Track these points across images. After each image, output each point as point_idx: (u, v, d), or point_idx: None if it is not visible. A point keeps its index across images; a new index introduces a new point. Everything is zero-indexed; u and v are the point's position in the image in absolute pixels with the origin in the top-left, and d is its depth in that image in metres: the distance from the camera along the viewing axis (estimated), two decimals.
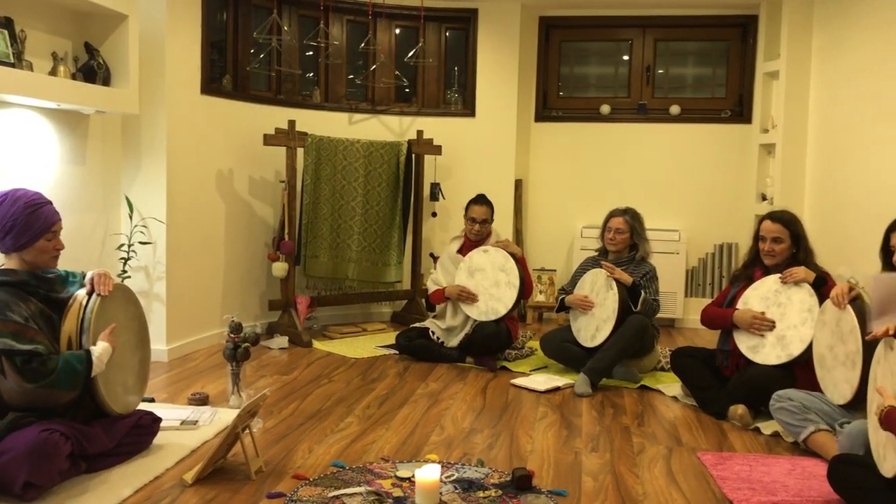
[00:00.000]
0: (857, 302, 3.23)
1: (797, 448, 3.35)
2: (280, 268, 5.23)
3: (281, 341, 5.11)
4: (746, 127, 6.14)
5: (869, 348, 3.04)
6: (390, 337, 5.24)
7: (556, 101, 6.49)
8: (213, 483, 2.82)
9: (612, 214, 4.62)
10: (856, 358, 3.12)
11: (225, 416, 3.50)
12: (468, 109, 6.15)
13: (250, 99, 5.42)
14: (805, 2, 5.58)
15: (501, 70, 6.08)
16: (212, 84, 5.08)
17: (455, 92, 6.21)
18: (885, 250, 3.13)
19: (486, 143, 6.10)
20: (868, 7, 4.77)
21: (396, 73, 6.06)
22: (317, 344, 5.19)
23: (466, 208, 4.92)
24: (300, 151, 5.35)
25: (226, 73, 5.31)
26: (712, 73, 6.37)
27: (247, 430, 2.94)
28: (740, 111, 6.21)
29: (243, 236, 5.39)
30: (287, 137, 5.20)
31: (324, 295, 5.64)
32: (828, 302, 3.39)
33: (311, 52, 5.93)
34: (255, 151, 5.33)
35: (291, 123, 5.22)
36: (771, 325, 3.75)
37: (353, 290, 5.73)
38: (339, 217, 5.59)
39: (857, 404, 3.16)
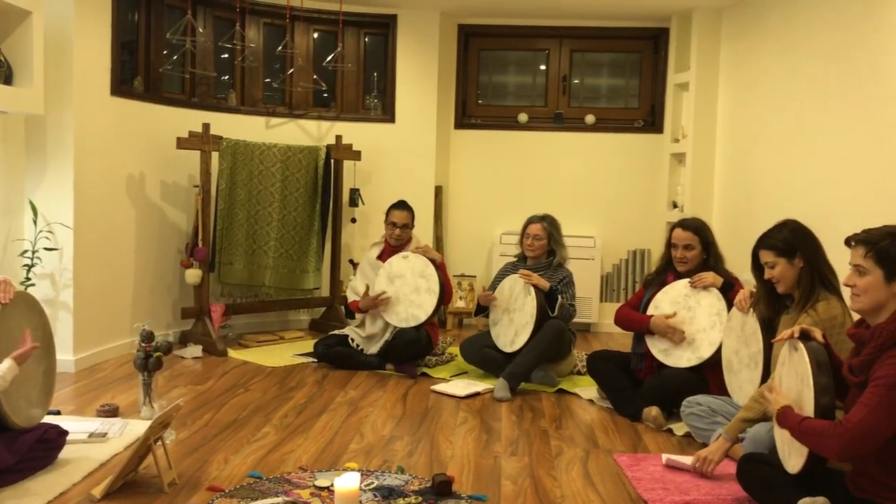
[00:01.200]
0: (760, 306, 3.36)
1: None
2: (193, 275, 5.10)
3: (194, 350, 4.98)
4: (658, 136, 6.33)
5: (770, 349, 3.19)
6: (308, 345, 5.18)
7: (475, 108, 6.55)
8: (123, 497, 2.71)
9: (531, 221, 4.68)
10: (758, 358, 3.26)
11: (136, 428, 3.38)
12: (388, 115, 6.14)
13: (163, 101, 5.28)
14: (713, 17, 5.79)
15: (421, 77, 6.09)
16: (122, 85, 4.91)
17: (375, 97, 6.18)
18: (757, 267, 3.26)
19: (405, 149, 6.10)
20: (772, 23, 4.98)
21: (315, 77, 6.00)
22: (232, 353, 5.08)
23: (387, 213, 4.91)
24: (215, 155, 5.22)
25: (137, 74, 5.15)
26: (626, 84, 6.54)
27: (159, 442, 2.85)
28: (652, 121, 6.39)
29: (155, 242, 5.23)
30: (201, 141, 5.08)
31: (239, 302, 5.53)
32: (733, 309, 3.52)
33: (226, 55, 5.81)
34: (167, 155, 5.18)
35: (206, 127, 5.10)
36: (681, 337, 3.86)
37: (269, 298, 5.63)
38: (256, 223, 5.49)
39: None
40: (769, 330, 3.24)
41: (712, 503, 2.84)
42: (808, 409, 2.44)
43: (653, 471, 3.15)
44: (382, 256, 4.91)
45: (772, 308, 3.29)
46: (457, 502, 2.69)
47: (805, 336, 2.59)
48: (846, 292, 2.47)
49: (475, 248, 6.44)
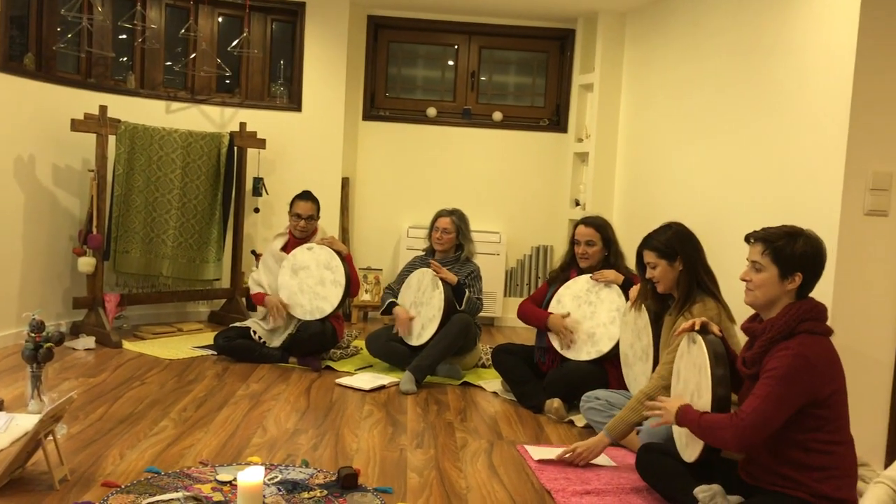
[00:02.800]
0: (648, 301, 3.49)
1: None
2: (86, 263, 4.87)
3: (87, 341, 4.76)
4: (562, 136, 6.45)
5: (658, 342, 3.33)
6: (208, 337, 5.04)
7: (383, 100, 6.51)
8: (10, 494, 2.57)
9: (440, 215, 4.70)
10: (648, 351, 3.39)
11: (23, 423, 3.20)
12: (294, 104, 6.04)
13: (56, 81, 5.02)
14: (618, 20, 5.95)
15: (329, 66, 6.01)
16: (11, 62, 4.64)
17: (281, 85, 6.07)
18: (641, 266, 3.40)
19: (312, 138, 6.01)
20: (672, 29, 5.16)
21: (219, 62, 5.84)
22: (127, 344, 4.89)
23: (291, 204, 4.82)
24: (112, 139, 5.01)
25: (28, 51, 4.88)
26: (532, 83, 6.64)
27: (50, 437, 2.71)
28: (557, 120, 6.52)
29: (45, 228, 4.97)
30: (98, 124, 4.86)
31: (135, 293, 5.32)
32: (628, 304, 3.64)
33: (125, 35, 5.57)
34: (60, 137, 4.94)
35: (103, 109, 4.89)
36: (571, 339, 3.95)
37: (167, 288, 5.45)
38: (154, 210, 5.30)
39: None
40: (657, 326, 3.37)
41: (612, 492, 2.92)
42: (706, 399, 2.54)
43: (555, 461, 3.21)
44: (287, 248, 4.83)
45: (659, 304, 3.42)
46: (363, 495, 2.67)
47: (703, 329, 2.70)
48: (741, 286, 2.58)
49: (382, 242, 6.41)
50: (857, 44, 3.09)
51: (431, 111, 6.46)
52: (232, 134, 5.59)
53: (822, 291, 2.61)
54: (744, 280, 2.59)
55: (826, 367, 2.39)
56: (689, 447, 2.69)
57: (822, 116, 3.31)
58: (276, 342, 4.66)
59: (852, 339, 3.05)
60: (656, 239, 3.33)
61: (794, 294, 2.51)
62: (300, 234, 4.80)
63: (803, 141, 3.45)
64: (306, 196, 4.81)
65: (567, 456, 3.16)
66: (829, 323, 2.49)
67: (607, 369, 3.90)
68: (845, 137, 3.12)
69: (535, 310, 4.19)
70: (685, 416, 2.58)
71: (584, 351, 3.96)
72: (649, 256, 3.33)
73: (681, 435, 2.76)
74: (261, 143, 5.71)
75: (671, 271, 3.28)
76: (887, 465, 3.10)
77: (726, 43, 4.34)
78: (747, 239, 2.63)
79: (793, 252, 2.48)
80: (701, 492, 2.53)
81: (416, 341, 4.47)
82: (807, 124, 3.43)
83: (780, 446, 2.42)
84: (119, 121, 5.00)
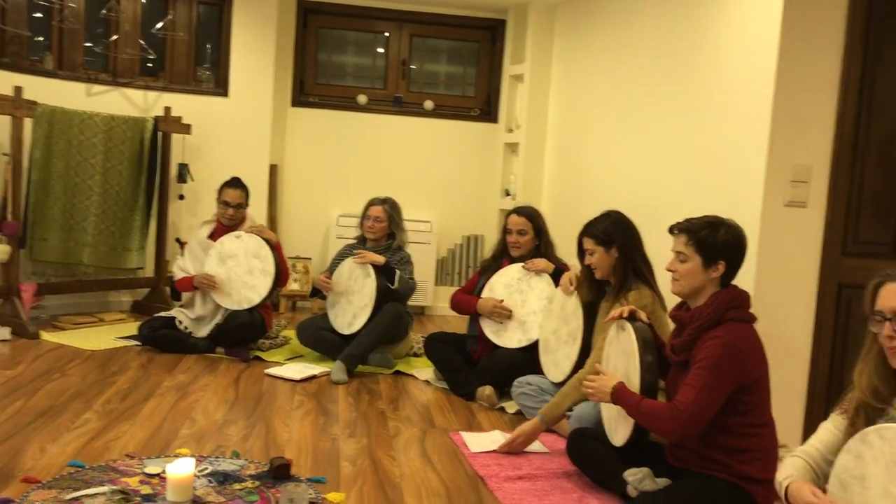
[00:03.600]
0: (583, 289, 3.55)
1: None
2: (1, 251, 4.67)
3: (2, 332, 4.57)
4: (493, 126, 6.49)
5: (590, 327, 3.39)
6: (132, 327, 4.90)
7: (313, 87, 6.43)
8: None
9: (372, 203, 4.67)
10: (576, 334, 3.45)
11: None
12: (221, 89, 5.90)
13: None
14: (548, 12, 6.01)
15: (257, 51, 5.89)
16: None
17: (207, 69, 5.92)
18: (581, 253, 3.48)
19: (239, 124, 5.88)
20: (602, 21, 5.24)
21: (142, 44, 5.65)
22: (45, 335, 4.71)
23: (220, 191, 4.71)
24: (28, 122, 4.80)
25: None
26: (463, 73, 6.65)
27: None
28: (488, 110, 6.55)
29: None
30: (12, 105, 4.65)
31: (54, 282, 5.13)
32: (556, 290, 3.70)
33: (41, 14, 5.35)
34: None
35: (18, 90, 4.68)
36: (509, 314, 4.00)
37: (88, 277, 5.27)
38: (74, 196, 5.11)
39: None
40: (591, 313, 3.44)
41: (544, 477, 2.96)
42: (635, 385, 2.60)
43: (488, 446, 3.24)
44: (214, 236, 4.72)
45: (594, 292, 3.48)
46: (296, 485, 2.64)
47: (632, 317, 2.76)
48: (668, 276, 2.64)
49: (311, 230, 6.34)
50: (780, 41, 3.20)
51: (362, 98, 6.41)
52: (156, 119, 5.43)
53: (744, 280, 2.70)
54: (669, 270, 2.66)
55: (752, 353, 2.48)
56: (618, 431, 2.75)
57: (745, 111, 3.41)
58: (202, 332, 4.56)
59: (772, 326, 3.16)
60: (595, 226, 3.40)
61: (718, 282, 2.58)
62: (228, 222, 4.70)
63: (728, 134, 3.55)
64: (235, 183, 4.71)
65: (506, 450, 3.19)
66: (751, 310, 2.58)
67: (537, 357, 3.95)
68: (767, 131, 3.23)
69: (468, 297, 4.22)
70: (621, 395, 2.61)
71: (515, 338, 4.00)
72: (588, 243, 3.40)
73: (610, 419, 2.82)
74: (186, 129, 5.57)
75: (608, 258, 3.35)
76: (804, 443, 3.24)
77: (654, 37, 4.43)
78: (671, 230, 2.69)
79: (715, 241, 2.56)
80: (630, 475, 2.59)
81: (347, 330, 4.44)
82: (731, 118, 3.53)
83: (707, 431, 2.49)
84: (36, 103, 4.80)
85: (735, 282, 2.62)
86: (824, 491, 1.90)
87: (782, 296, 3.24)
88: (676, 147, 4.07)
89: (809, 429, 3.24)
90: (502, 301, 4.04)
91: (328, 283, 4.54)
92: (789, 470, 2.02)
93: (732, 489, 2.46)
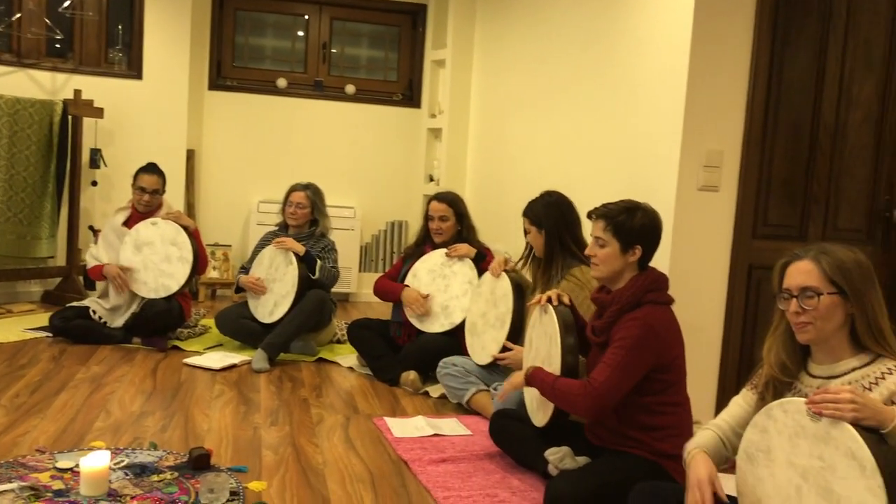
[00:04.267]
0: (512, 273, 3.59)
1: (461, 409, 3.63)
2: None
3: None
4: (416, 111, 6.48)
5: (520, 310, 3.43)
6: (42, 318, 4.73)
7: (230, 70, 6.28)
8: None
9: (294, 189, 4.60)
10: (505, 318, 3.48)
11: None
12: (134, 71, 5.71)
13: None
14: None
15: (172, 32, 5.72)
16: None
17: (119, 51, 5.71)
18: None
19: (154, 108, 5.71)
20: (522, 7, 5.27)
21: (48, 23, 5.41)
22: None
23: (135, 177, 4.57)
24: None
25: None
26: (385, 57, 6.61)
27: None
28: (410, 95, 6.53)
29: None
30: None
31: None
32: (486, 274, 3.72)
33: None
34: None
35: None
36: (425, 310, 4.01)
37: None
38: None
39: (500, 366, 3.54)
40: (519, 294, 3.47)
41: (467, 459, 2.99)
42: (556, 366, 2.65)
43: (412, 432, 3.25)
44: (129, 223, 4.58)
45: (538, 268, 3.55)
46: (216, 475, 2.60)
47: (554, 301, 2.80)
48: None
49: (231, 217, 6.21)
50: (693, 30, 3.27)
51: (282, 82, 6.30)
52: (65, 102, 5.23)
53: (659, 262, 2.77)
54: (589, 255, 2.71)
55: (669, 334, 2.56)
56: (539, 412, 2.80)
57: (661, 98, 3.49)
58: (118, 322, 4.43)
59: (686, 307, 3.24)
60: (531, 206, 3.46)
61: (635, 266, 2.65)
62: (144, 208, 4.57)
63: (644, 120, 3.63)
64: (151, 169, 4.57)
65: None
66: (668, 292, 2.65)
67: (461, 340, 3.97)
68: (681, 118, 3.31)
69: (392, 284, 4.22)
70: (535, 378, 2.66)
71: (438, 323, 4.02)
72: (524, 223, 3.46)
73: (531, 400, 2.86)
74: (98, 112, 5.37)
75: (540, 238, 3.40)
76: None
77: (573, 24, 4.49)
78: (589, 215, 2.75)
79: (632, 226, 2.62)
80: (551, 454, 2.64)
81: (268, 318, 4.37)
82: (647, 105, 3.61)
83: (625, 409, 2.56)
84: None
85: (651, 264, 2.69)
86: (733, 465, 1.98)
87: (696, 277, 3.34)
88: (595, 132, 4.14)
89: (722, 405, 3.34)
90: (427, 296, 4.04)
91: (261, 287, 4.44)
92: (699, 440, 2.10)
93: (648, 465, 2.53)
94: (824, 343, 1.94)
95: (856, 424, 1.65)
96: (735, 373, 3.40)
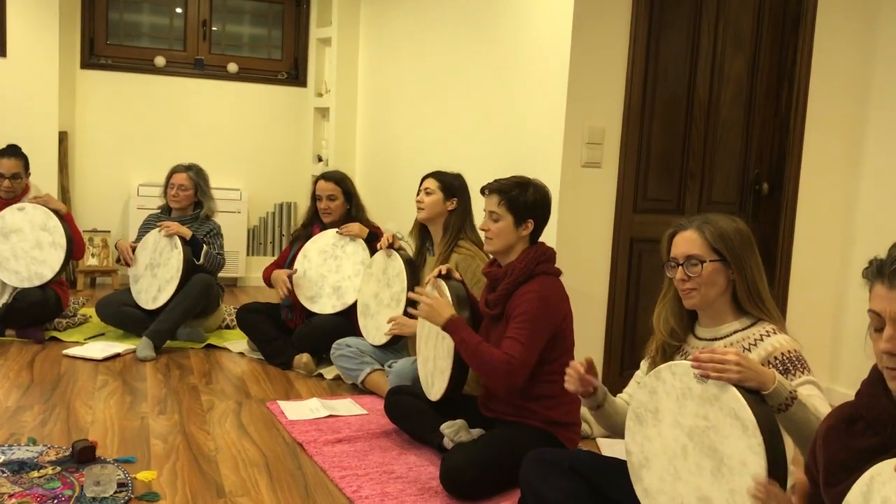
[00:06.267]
0: (402, 251, 3.60)
1: (357, 389, 3.63)
2: None
3: None
4: (302, 90, 6.36)
5: (412, 289, 3.43)
6: None
7: (104, 48, 5.98)
8: None
9: (175, 170, 4.45)
10: (400, 297, 3.49)
11: None
12: None
13: None
14: None
15: (38, 7, 5.38)
16: None
17: None
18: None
19: (20, 88, 5.37)
20: None
21: None
22: None
23: None
24: None
25: None
26: (268, 35, 6.45)
27: None
28: (296, 74, 6.40)
29: None
30: None
31: None
32: (377, 255, 3.71)
33: None
34: None
35: None
36: (285, 292, 3.99)
37: None
38: None
39: (394, 344, 3.56)
40: (414, 272, 3.48)
41: (363, 438, 2.99)
42: (450, 342, 2.67)
43: (307, 414, 3.23)
44: None
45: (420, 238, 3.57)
46: (102, 467, 2.50)
47: (447, 276, 2.83)
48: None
49: (109, 201, 5.93)
50: (574, 9, 3.34)
51: (160, 61, 6.05)
52: None
53: (547, 237, 2.84)
54: (483, 230, 2.76)
55: (561, 303, 2.64)
56: (433, 386, 2.83)
57: (544, 76, 3.56)
58: None
59: (573, 279, 3.34)
60: (442, 173, 3.50)
61: (527, 239, 2.71)
62: (6, 195, 4.30)
63: (529, 98, 3.69)
64: (10, 152, 4.30)
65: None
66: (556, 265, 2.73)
67: (354, 321, 3.96)
68: (564, 96, 3.39)
69: (276, 270, 4.16)
70: (456, 328, 2.62)
71: (330, 304, 3.99)
72: (430, 182, 3.49)
73: (426, 375, 2.88)
74: None
75: (441, 206, 3.42)
76: None
77: (457, 2, 4.51)
78: (483, 191, 2.78)
79: (525, 200, 2.68)
80: (447, 427, 2.68)
81: (152, 305, 4.22)
82: (532, 83, 3.67)
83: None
84: None
85: (540, 237, 2.76)
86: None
87: (581, 250, 3.44)
88: (481, 110, 4.18)
89: (608, 372, 3.49)
90: (294, 271, 4.02)
91: (129, 253, 4.28)
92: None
93: (540, 433, 2.60)
94: (709, 307, 2.04)
95: (739, 386, 1.75)
96: (620, 340, 3.53)
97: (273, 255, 6.09)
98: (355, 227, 4.05)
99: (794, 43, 3.68)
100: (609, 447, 3.00)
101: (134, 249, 4.34)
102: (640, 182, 3.54)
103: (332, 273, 4.02)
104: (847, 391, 3.72)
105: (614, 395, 2.25)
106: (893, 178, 3.69)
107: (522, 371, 2.53)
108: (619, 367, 3.47)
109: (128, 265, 4.35)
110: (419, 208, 3.49)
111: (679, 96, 3.58)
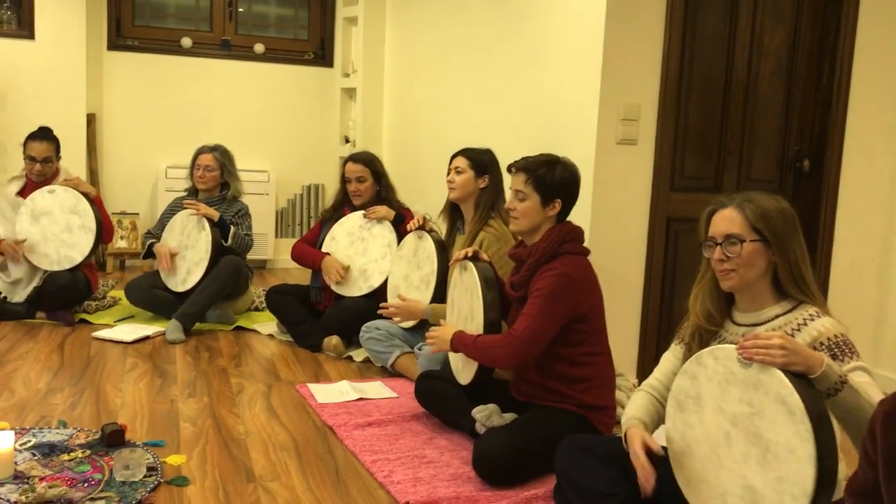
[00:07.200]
0: (433, 233, 3.53)
1: (386, 372, 3.58)
2: None
3: None
4: (329, 70, 6.30)
5: (445, 270, 3.37)
6: None
7: (131, 29, 5.95)
8: None
9: (201, 151, 4.41)
10: (430, 279, 3.43)
11: None
12: (25, 31, 5.34)
13: None
14: None
15: None
16: None
17: (8, 9, 5.34)
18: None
19: (49, 70, 5.37)
20: None
21: None
22: None
23: (24, 145, 4.28)
24: None
25: None
26: (295, 15, 6.38)
27: None
28: (323, 54, 6.34)
29: None
30: None
31: None
32: (408, 236, 3.65)
33: None
34: None
35: None
36: (339, 277, 3.91)
37: None
38: None
39: (424, 327, 3.49)
40: (445, 254, 3.42)
41: (393, 421, 2.95)
42: (479, 321, 2.62)
43: (336, 397, 3.19)
44: (24, 193, 4.32)
45: (450, 219, 3.49)
46: (131, 451, 2.47)
47: (475, 257, 2.76)
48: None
49: (137, 183, 5.93)
50: None
51: (186, 42, 6.02)
52: None
53: (580, 216, 2.77)
54: (509, 209, 2.68)
55: (586, 283, 2.56)
56: (464, 371, 2.77)
57: (577, 51, 3.46)
58: (19, 296, 4.19)
59: (608, 260, 3.27)
60: (472, 150, 3.42)
61: (554, 219, 2.64)
62: (37, 178, 4.30)
63: (561, 74, 3.60)
64: (42, 135, 4.29)
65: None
66: (586, 245, 2.65)
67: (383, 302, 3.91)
68: (599, 71, 3.29)
69: (310, 250, 4.11)
70: (460, 342, 2.64)
71: (357, 287, 3.95)
72: (460, 161, 3.40)
73: (456, 360, 2.83)
74: None
75: (473, 184, 3.35)
76: (638, 373, 3.41)
77: None
78: (509, 169, 2.71)
79: (552, 179, 2.60)
80: (479, 412, 2.62)
81: (181, 287, 4.21)
82: (564, 58, 3.58)
83: (547, 362, 2.56)
84: None
85: (572, 218, 2.68)
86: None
87: (616, 230, 3.36)
88: (512, 88, 4.09)
89: (644, 356, 3.42)
90: (347, 267, 3.94)
91: (168, 259, 4.23)
92: (632, 410, 2.08)
93: (574, 418, 2.54)
94: (747, 290, 1.95)
95: (785, 370, 1.67)
96: (655, 323, 3.45)
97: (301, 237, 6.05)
98: (382, 209, 4.00)
99: (838, 15, 3.54)
100: None
101: (174, 256, 4.26)
102: (676, 159, 3.44)
103: (359, 255, 3.97)
104: (891, 375, 3.60)
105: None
106: None
107: (527, 345, 2.46)
108: (655, 352, 3.39)
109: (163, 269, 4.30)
110: (451, 188, 3.41)
111: (717, 71, 3.47)
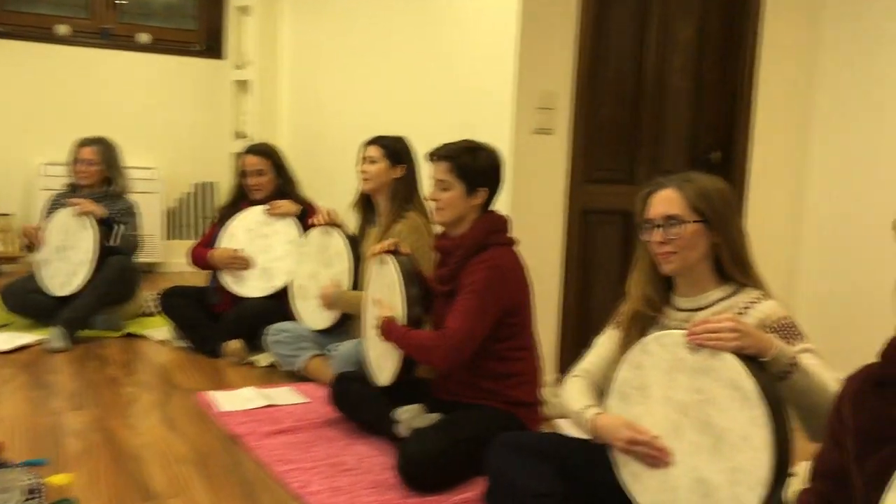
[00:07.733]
0: (340, 228, 3.34)
1: (294, 376, 3.36)
2: None
3: None
4: (220, 62, 5.98)
5: (358, 266, 3.20)
6: None
7: (0, 14, 5.47)
8: None
9: (81, 144, 4.11)
10: (341, 277, 3.25)
11: None
12: None
13: None
14: None
15: None
16: None
17: None
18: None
19: None
20: None
21: None
22: None
23: None
24: None
25: None
26: (182, 4, 6.04)
27: None
28: (212, 46, 6.02)
29: None
30: None
31: None
32: (312, 231, 3.44)
33: None
34: None
35: None
36: (245, 264, 3.69)
37: None
38: None
39: (336, 328, 3.30)
40: (356, 250, 3.24)
41: (306, 428, 2.76)
42: (400, 319, 2.46)
43: (242, 404, 2.96)
44: None
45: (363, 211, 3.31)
46: (9, 471, 2.18)
47: (395, 251, 2.60)
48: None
49: (8, 182, 5.43)
50: None
51: (62, 29, 5.57)
52: None
53: (501, 207, 2.66)
54: (432, 199, 2.54)
55: (516, 275, 2.46)
56: (383, 370, 2.60)
57: (491, 37, 3.35)
58: None
59: (525, 250, 3.16)
60: (386, 139, 3.22)
61: (479, 209, 2.52)
62: None
63: (475, 61, 3.48)
64: None
65: None
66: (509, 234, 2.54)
67: (286, 304, 3.69)
68: (513, 57, 3.19)
69: (203, 250, 3.85)
70: (390, 329, 2.48)
71: (259, 287, 3.72)
72: (373, 150, 3.21)
73: (376, 357, 2.66)
74: None
75: (386, 173, 3.16)
76: (559, 367, 3.33)
77: None
78: (430, 157, 2.57)
79: (477, 167, 2.49)
80: (403, 412, 2.46)
81: (62, 291, 3.85)
82: (478, 44, 3.46)
83: (477, 359, 2.42)
84: None
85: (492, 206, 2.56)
86: None
87: (534, 221, 3.26)
88: (423, 76, 3.95)
89: (563, 346, 3.34)
90: (241, 250, 3.70)
91: (38, 235, 3.88)
92: (581, 398, 1.94)
93: (503, 415, 2.43)
94: (689, 274, 1.88)
95: (737, 353, 1.59)
96: (574, 314, 3.38)
97: (193, 238, 5.71)
98: (285, 204, 3.79)
99: (744, 8, 3.58)
100: (571, 427, 2.84)
101: (38, 231, 3.94)
102: (591, 151, 3.37)
103: (260, 253, 3.74)
104: None
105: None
106: (844, 146, 3.64)
107: (463, 344, 2.34)
108: (574, 343, 3.31)
109: (36, 249, 3.95)
110: (364, 179, 3.23)
111: (628, 64, 3.42)
